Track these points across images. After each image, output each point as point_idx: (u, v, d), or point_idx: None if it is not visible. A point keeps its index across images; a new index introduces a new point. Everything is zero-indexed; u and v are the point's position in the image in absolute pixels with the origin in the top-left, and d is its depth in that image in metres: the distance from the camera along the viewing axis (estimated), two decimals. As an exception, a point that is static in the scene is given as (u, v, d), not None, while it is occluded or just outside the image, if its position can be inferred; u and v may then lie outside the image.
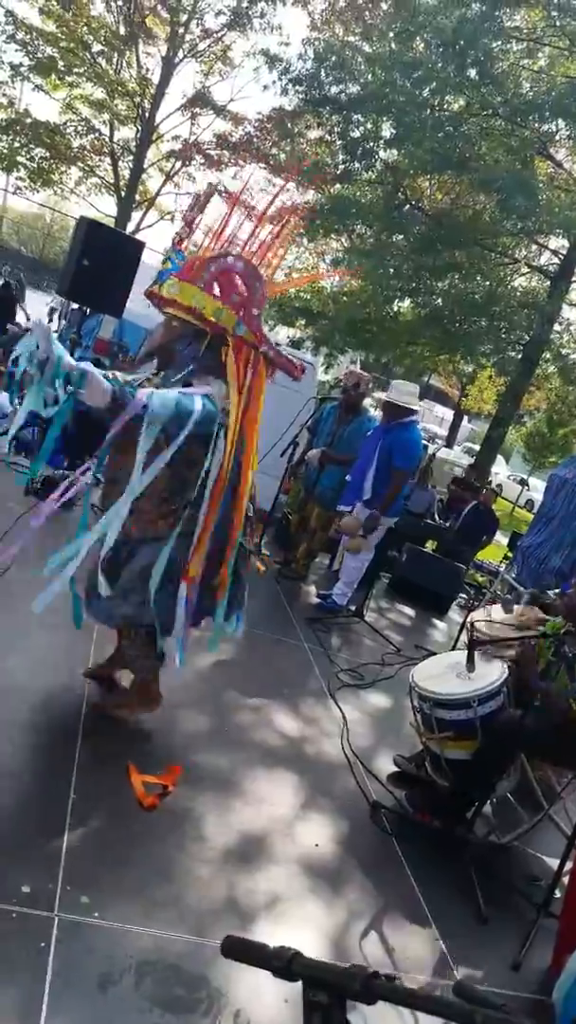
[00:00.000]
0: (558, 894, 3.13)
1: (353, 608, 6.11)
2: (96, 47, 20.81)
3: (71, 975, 2.03)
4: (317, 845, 3.06)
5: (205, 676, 4.06)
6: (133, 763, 2.96)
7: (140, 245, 6.37)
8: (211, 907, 2.50)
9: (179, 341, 3.11)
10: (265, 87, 16.05)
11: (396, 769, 3.74)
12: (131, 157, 22.80)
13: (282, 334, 17.11)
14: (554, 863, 3.27)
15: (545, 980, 2.82)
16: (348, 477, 5.91)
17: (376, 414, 6.72)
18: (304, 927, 2.61)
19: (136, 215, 24.11)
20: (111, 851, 2.54)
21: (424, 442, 12.32)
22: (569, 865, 3.09)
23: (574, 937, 2.73)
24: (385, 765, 3.84)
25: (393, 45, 14.72)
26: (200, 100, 22.22)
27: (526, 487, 24.85)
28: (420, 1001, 0.75)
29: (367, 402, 6.75)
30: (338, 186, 15.64)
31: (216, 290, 3.01)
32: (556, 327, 14.64)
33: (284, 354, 3.22)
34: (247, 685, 4.17)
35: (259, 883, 2.70)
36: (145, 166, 23.18)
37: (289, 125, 18.19)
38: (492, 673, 3.40)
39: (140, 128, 22.35)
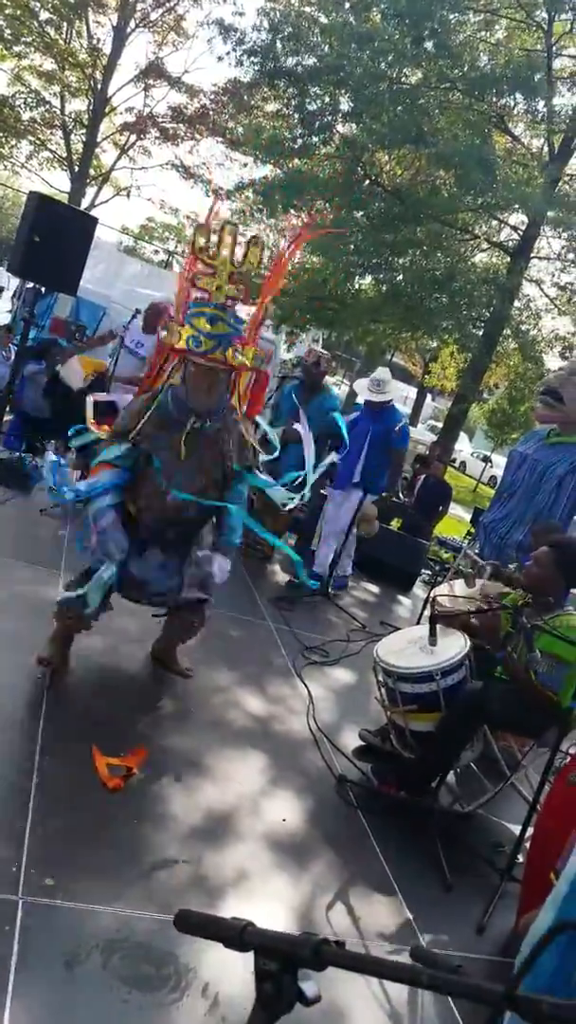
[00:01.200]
0: (520, 859, 3.19)
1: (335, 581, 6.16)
2: (44, 15, 20.30)
3: (36, 957, 2.02)
4: (284, 820, 3.09)
5: (169, 656, 4.05)
6: (97, 745, 2.95)
7: (93, 221, 6.27)
8: (178, 885, 2.51)
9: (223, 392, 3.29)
10: (220, 58, 15.80)
11: (362, 743, 3.78)
12: (83, 130, 22.36)
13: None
14: (517, 829, 3.33)
15: (508, 942, 2.89)
16: (336, 459, 6.01)
17: (339, 392, 6.81)
18: (271, 901, 2.63)
19: (90, 191, 23.71)
20: (75, 833, 2.53)
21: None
22: (531, 831, 3.15)
23: (536, 900, 2.78)
24: (351, 740, 3.88)
25: (350, 17, 14.57)
26: (154, 71, 21.83)
27: (489, 464, 25.11)
28: (368, 965, 0.76)
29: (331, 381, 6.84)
30: (296, 161, 15.49)
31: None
32: (516, 303, 14.71)
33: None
34: (212, 665, 4.17)
35: (226, 859, 2.71)
36: (98, 139, 22.75)
37: (245, 98, 17.98)
38: (454, 646, 3.44)
39: (92, 100, 21.90)
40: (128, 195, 24.31)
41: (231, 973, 2.17)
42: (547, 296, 15.60)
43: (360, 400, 6.51)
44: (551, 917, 2.02)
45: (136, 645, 4.00)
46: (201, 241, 3.07)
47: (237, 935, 0.82)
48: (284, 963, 0.78)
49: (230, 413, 3.38)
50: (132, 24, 21.68)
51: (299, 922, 2.59)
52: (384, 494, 6.43)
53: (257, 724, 3.77)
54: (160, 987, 2.09)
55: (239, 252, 3.10)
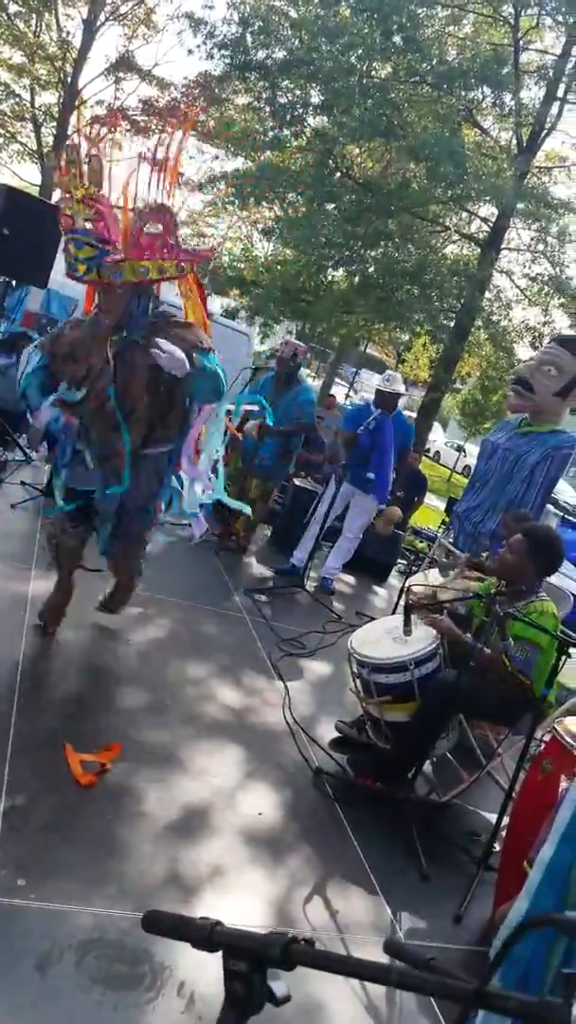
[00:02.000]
0: (497, 848, 3.20)
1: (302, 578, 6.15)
2: (13, 8, 20.03)
3: (9, 959, 1.99)
4: (260, 814, 3.07)
5: (144, 651, 4.02)
6: (69, 741, 2.91)
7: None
8: (154, 882, 2.48)
9: (129, 304, 3.34)
10: (190, 51, 15.73)
11: (338, 735, 3.77)
12: (54, 123, 22.11)
13: (216, 304, 16.91)
14: (493, 817, 3.34)
15: (485, 931, 2.90)
16: (371, 475, 6.18)
17: (314, 384, 6.82)
18: (248, 896, 2.61)
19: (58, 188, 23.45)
20: (48, 832, 2.49)
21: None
22: (507, 819, 3.16)
23: (512, 888, 2.79)
24: (327, 732, 3.87)
25: (319, 11, 14.52)
26: (124, 64, 21.63)
27: (463, 453, 25.20)
28: (337, 964, 0.74)
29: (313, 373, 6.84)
30: (268, 153, 15.43)
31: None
32: (487, 294, 14.78)
33: (192, 251, 3.44)
34: (187, 658, 4.15)
35: (202, 855, 2.69)
36: (69, 132, 22.49)
37: (216, 91, 17.87)
38: (428, 636, 3.44)
39: (62, 93, 21.65)
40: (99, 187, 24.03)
41: (206, 971, 2.14)
42: (517, 287, 15.70)
43: (369, 395, 6.63)
44: (524, 907, 2.03)
45: (109, 639, 3.96)
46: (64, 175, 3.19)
47: (206, 935, 0.80)
48: (253, 963, 0.76)
49: (163, 324, 3.40)
50: (102, 17, 21.45)
51: (276, 917, 2.57)
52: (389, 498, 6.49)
53: (233, 717, 3.75)
54: (135, 986, 2.06)
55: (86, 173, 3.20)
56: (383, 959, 0.87)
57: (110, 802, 2.76)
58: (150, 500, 3.65)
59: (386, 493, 6.29)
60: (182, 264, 3.28)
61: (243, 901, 2.57)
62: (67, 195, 3.20)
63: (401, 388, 6.22)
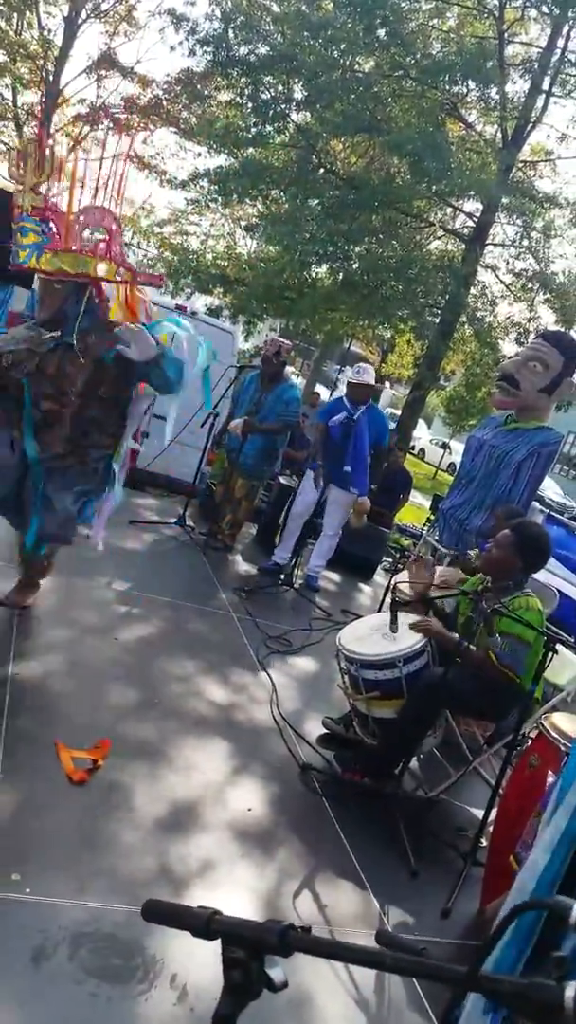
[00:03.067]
0: (484, 843, 3.24)
1: (282, 577, 6.17)
2: (-6, 6, 19.90)
3: (3, 953, 2.01)
4: (250, 809, 3.10)
5: (132, 649, 4.03)
6: (61, 738, 2.93)
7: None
8: (145, 876, 2.50)
9: (65, 300, 3.39)
10: (172, 48, 15.63)
11: (325, 731, 3.81)
12: (36, 122, 21.98)
13: (200, 302, 16.89)
14: (480, 813, 3.38)
15: (472, 926, 2.94)
16: (348, 468, 6.08)
17: (299, 382, 6.82)
18: (237, 890, 2.64)
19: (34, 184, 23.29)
20: (41, 827, 2.51)
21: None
22: (494, 814, 3.20)
23: (499, 882, 2.83)
24: (314, 728, 3.90)
25: (302, 6, 14.51)
26: (106, 62, 21.52)
27: (448, 451, 25.29)
28: (333, 949, 0.77)
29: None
30: (251, 150, 15.42)
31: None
32: (471, 290, 14.82)
33: (145, 273, 3.54)
34: (175, 656, 4.16)
35: (192, 849, 2.71)
36: (51, 131, 22.38)
37: (199, 87, 17.82)
38: (416, 633, 3.47)
39: (44, 92, 21.53)
40: (83, 187, 23.91)
41: (199, 963, 2.17)
42: (502, 282, 15.75)
43: (340, 391, 6.60)
44: (531, 888, 2.06)
45: (98, 637, 3.98)
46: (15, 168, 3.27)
47: (204, 924, 0.82)
48: (251, 950, 0.79)
49: (102, 327, 3.39)
50: (84, 14, 21.32)
51: (265, 910, 2.60)
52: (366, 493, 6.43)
53: (221, 713, 3.77)
54: (128, 979, 2.09)
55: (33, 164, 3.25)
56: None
57: (101, 798, 2.78)
58: (72, 505, 3.61)
59: (366, 483, 6.24)
60: (123, 269, 3.29)
61: (233, 895, 2.60)
62: (19, 186, 3.24)
63: (370, 379, 6.16)
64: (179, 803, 2.94)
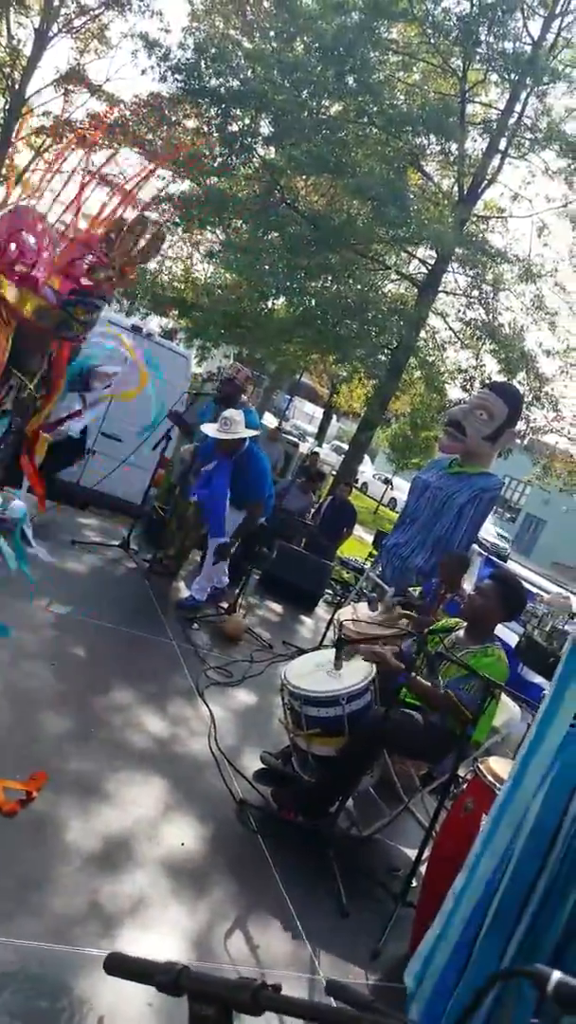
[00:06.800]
0: (415, 884, 3.25)
1: (226, 605, 6.12)
2: (-39, 15, 19.79)
3: None
4: (183, 844, 3.05)
5: (69, 676, 3.95)
6: (-7, 767, 2.85)
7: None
8: (75, 914, 2.43)
9: None
10: (143, 71, 15.72)
11: (262, 766, 3.78)
12: (-1, 129, 21.81)
13: (154, 322, 16.85)
14: (413, 853, 3.39)
15: (401, 967, 2.93)
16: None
17: (252, 406, 6.80)
18: (168, 930, 2.59)
19: (0, 190, 23.09)
20: (-31, 860, 2.43)
21: (295, 439, 12.52)
22: (427, 854, 3.22)
23: (430, 923, 2.84)
24: (252, 762, 3.87)
25: (274, 44, 14.78)
26: (74, 77, 21.53)
27: (390, 486, 25.60)
28: (305, 1010, 0.76)
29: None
30: (215, 178, 15.55)
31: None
32: (422, 334, 15.14)
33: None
34: (113, 685, 4.09)
35: (124, 887, 2.65)
36: (13, 139, 22.22)
37: (166, 112, 17.93)
38: (360, 671, 3.49)
39: (8, 100, 21.42)
40: (40, 198, 23.76)
41: (126, 1005, 2.12)
42: (451, 329, 16.12)
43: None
44: (436, 934, 2.09)
45: (35, 661, 3.89)
46: None
47: (173, 979, 0.81)
48: (220, 1008, 0.78)
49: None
50: (55, 28, 21.34)
51: (197, 951, 2.56)
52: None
53: (158, 746, 3.72)
54: (55, 1020, 2.02)
55: None
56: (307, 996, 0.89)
57: (31, 832, 2.70)
58: None
59: (221, 532, 5.72)
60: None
61: (164, 935, 2.55)
62: None
63: (240, 431, 5.62)
64: (113, 838, 2.88)
